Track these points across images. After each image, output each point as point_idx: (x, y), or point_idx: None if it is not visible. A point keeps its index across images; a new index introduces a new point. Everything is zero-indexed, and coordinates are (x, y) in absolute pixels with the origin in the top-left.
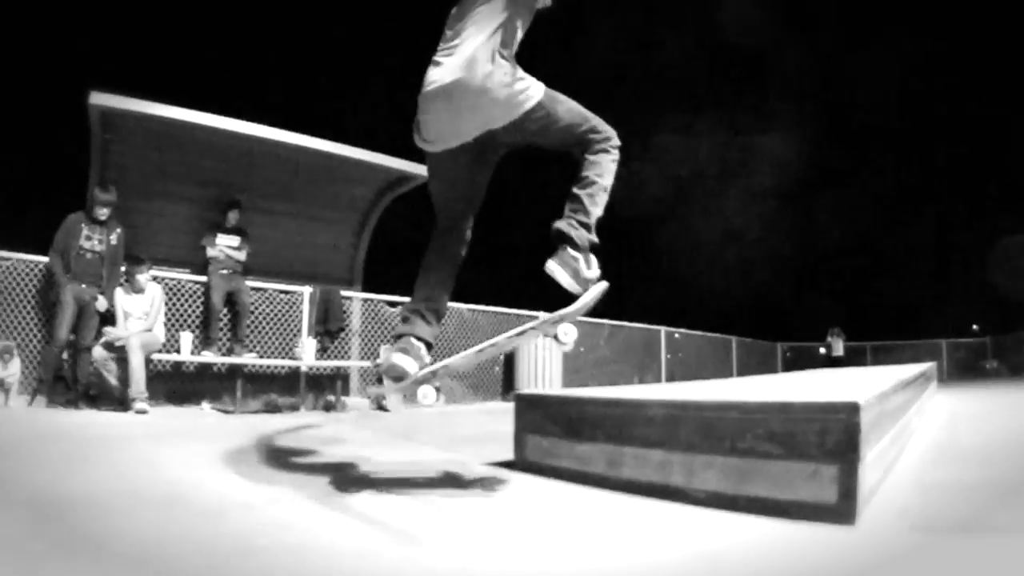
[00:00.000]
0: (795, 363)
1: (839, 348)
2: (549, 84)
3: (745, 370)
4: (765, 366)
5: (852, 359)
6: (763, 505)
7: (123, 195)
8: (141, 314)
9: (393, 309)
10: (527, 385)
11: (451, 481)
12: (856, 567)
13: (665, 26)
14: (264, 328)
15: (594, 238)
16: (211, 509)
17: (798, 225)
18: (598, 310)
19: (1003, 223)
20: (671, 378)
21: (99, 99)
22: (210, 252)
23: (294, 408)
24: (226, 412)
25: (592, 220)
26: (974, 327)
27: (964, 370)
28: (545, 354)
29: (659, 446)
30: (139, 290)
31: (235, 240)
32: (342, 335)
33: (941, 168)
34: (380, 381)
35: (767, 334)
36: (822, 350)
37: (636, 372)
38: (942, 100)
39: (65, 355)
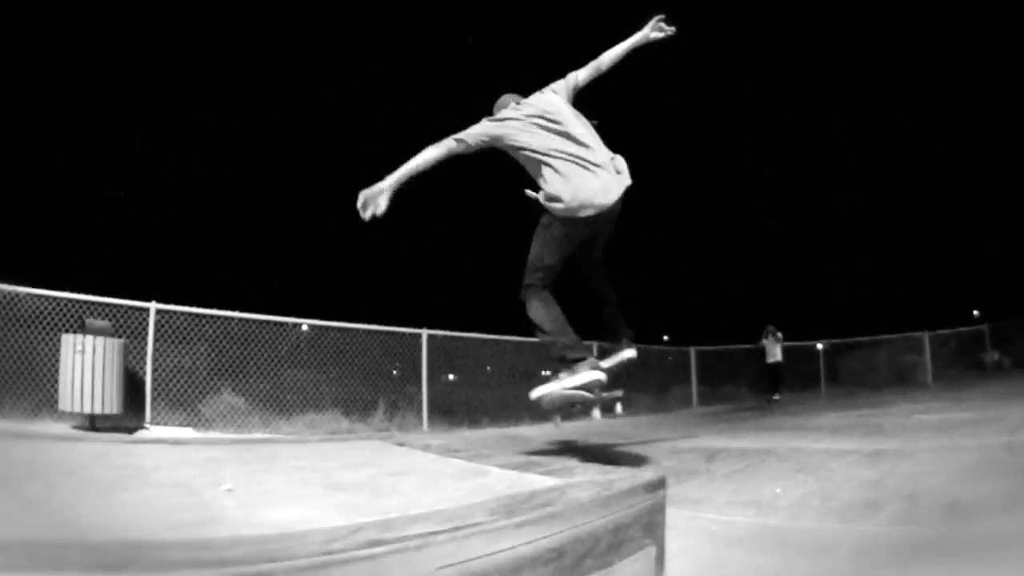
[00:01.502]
0: (714, 373)
1: (776, 352)
2: None
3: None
4: (675, 378)
5: (800, 365)
6: None
7: None
8: None
9: None
10: None
11: None
12: None
13: None
14: None
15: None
16: None
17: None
18: None
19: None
20: None
21: None
22: None
23: None
24: None
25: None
26: (974, 313)
27: (958, 367)
28: None
29: None
30: None
31: None
32: None
33: None
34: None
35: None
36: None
37: None
38: None
39: None
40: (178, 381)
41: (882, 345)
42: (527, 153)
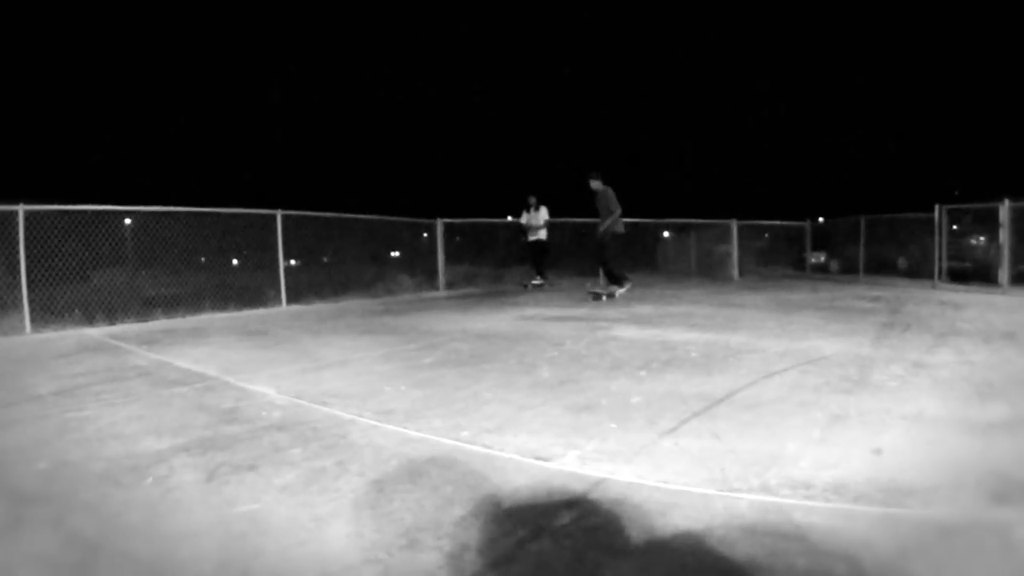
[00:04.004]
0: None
1: (542, 232)
2: None
3: None
4: None
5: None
6: None
7: None
8: None
9: None
10: None
11: None
12: None
13: None
14: None
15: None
16: None
17: None
18: None
19: None
20: None
21: None
22: None
23: None
24: None
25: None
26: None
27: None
28: None
29: None
30: None
31: None
32: None
33: None
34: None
35: None
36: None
37: None
38: None
39: None
40: None
41: (692, 231)
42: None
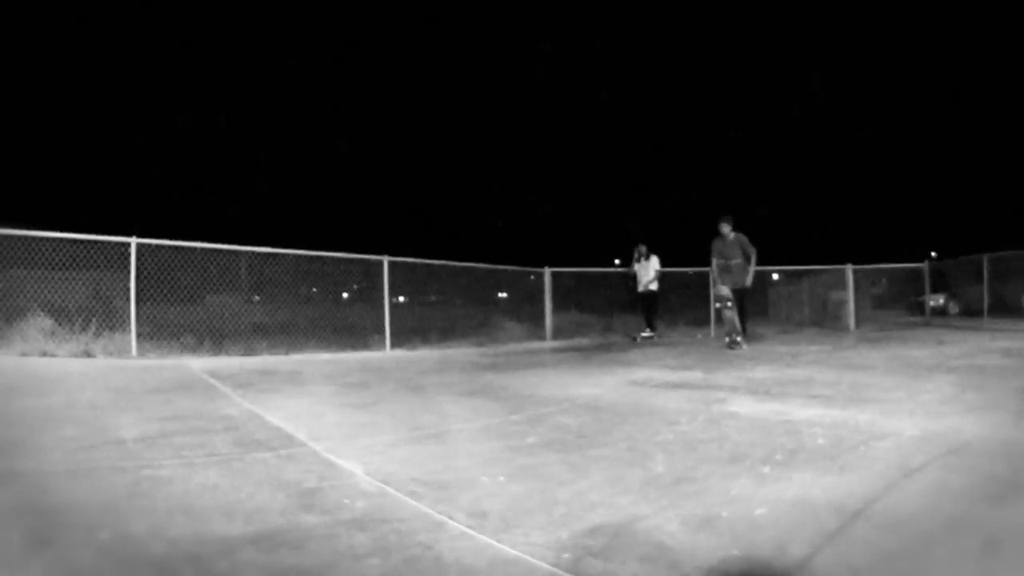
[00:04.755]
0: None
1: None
2: None
3: None
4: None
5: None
6: None
7: None
8: None
9: None
10: None
11: None
12: None
13: None
14: None
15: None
16: None
17: None
18: None
19: None
20: None
21: None
22: None
23: None
24: None
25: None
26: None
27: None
28: None
29: None
30: None
31: None
32: None
33: None
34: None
35: None
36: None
37: None
38: None
39: None
40: None
41: (804, 278)
42: None
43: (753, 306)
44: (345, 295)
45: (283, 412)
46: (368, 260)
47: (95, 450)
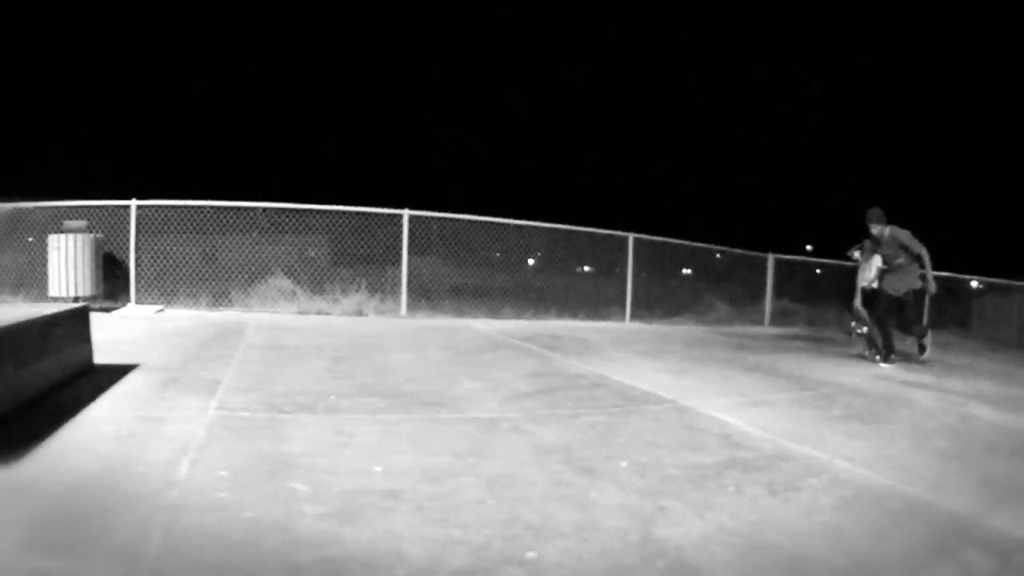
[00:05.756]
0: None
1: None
2: None
3: None
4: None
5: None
6: None
7: None
8: None
9: None
10: None
11: None
12: None
13: None
14: None
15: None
16: None
17: None
18: None
19: None
20: None
21: None
22: None
23: None
24: None
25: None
26: None
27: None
28: None
29: None
30: None
31: None
32: None
33: None
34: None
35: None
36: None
37: None
38: None
39: None
40: (155, 266)
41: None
42: None
43: (952, 312)
44: (587, 268)
45: (621, 373)
46: (614, 236)
47: (526, 398)
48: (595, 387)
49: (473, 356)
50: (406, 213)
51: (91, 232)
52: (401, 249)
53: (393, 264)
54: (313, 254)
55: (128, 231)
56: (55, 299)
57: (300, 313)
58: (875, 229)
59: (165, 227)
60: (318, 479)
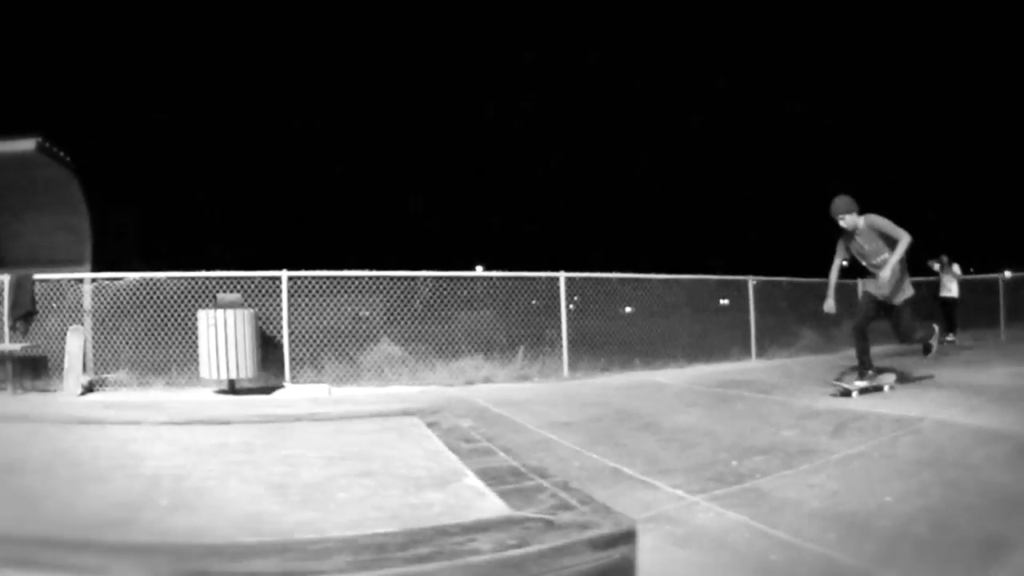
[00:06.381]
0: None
1: (952, 287)
2: None
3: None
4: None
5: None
6: None
7: None
8: None
9: None
10: None
11: None
12: None
13: None
14: None
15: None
16: None
17: None
18: None
19: None
20: None
21: None
22: None
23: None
24: None
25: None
26: None
27: None
28: None
29: None
30: None
31: None
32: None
33: None
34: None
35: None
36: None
37: None
38: None
39: None
40: (312, 341)
41: None
42: None
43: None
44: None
45: (884, 408)
46: (736, 280)
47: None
48: (856, 420)
49: (722, 407)
50: (562, 275)
51: (246, 307)
52: (559, 310)
53: (551, 327)
54: (477, 320)
55: (280, 304)
56: (208, 382)
57: (467, 383)
58: (845, 221)
59: (317, 297)
60: None
